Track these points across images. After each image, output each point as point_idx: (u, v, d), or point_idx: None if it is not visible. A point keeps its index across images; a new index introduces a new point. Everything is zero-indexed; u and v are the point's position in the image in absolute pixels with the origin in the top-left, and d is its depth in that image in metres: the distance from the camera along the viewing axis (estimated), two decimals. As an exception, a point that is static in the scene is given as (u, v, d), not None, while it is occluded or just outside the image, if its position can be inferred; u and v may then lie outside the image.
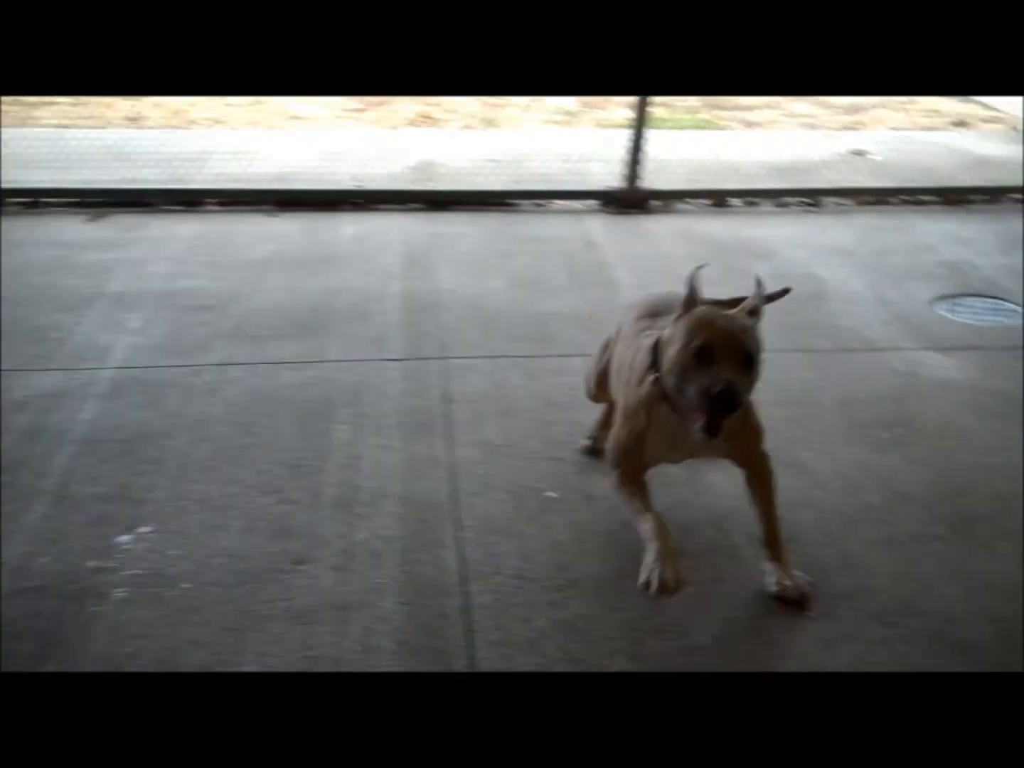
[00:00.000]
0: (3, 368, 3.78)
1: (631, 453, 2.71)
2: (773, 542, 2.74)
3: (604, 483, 3.20)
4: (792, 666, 2.53)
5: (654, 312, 2.90)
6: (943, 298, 4.66)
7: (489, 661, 2.51)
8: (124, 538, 2.88)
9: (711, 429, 2.38)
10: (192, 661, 2.46)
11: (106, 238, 5.20)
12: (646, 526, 2.62)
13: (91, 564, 2.78)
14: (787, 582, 2.70)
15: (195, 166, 6.08)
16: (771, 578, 2.72)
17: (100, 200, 5.67)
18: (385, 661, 2.49)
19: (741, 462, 2.76)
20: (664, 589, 2.50)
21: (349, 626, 2.61)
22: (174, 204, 5.76)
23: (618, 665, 2.51)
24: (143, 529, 2.92)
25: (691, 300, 2.55)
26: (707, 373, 2.39)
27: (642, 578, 2.53)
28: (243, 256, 5.04)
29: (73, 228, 5.33)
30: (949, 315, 4.50)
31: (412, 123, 7.85)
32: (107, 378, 3.75)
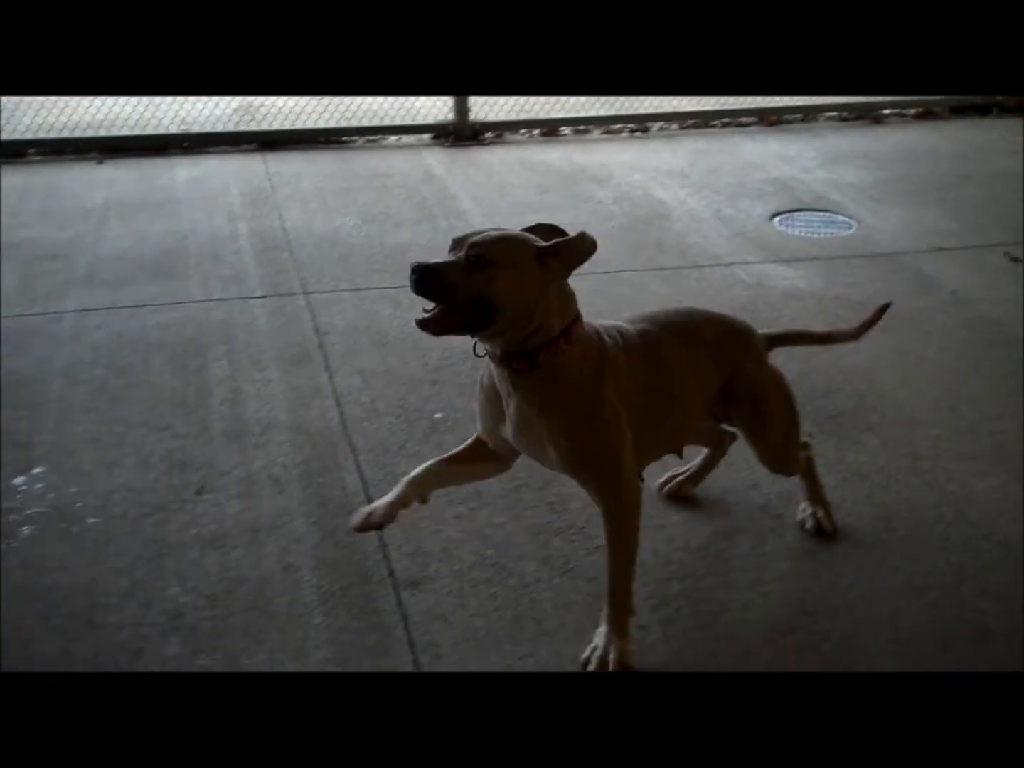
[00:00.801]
0: None
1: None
2: (610, 604, 2.31)
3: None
4: (693, 558, 2.70)
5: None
6: (778, 213, 4.93)
7: (407, 571, 2.59)
8: (19, 479, 2.84)
9: (422, 322, 2.15)
10: (114, 589, 2.47)
11: (-72, 191, 4.94)
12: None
13: (-10, 506, 2.73)
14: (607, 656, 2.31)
15: (12, 117, 5.81)
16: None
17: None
18: (307, 577, 2.55)
19: (583, 485, 2.30)
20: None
21: (265, 547, 2.65)
22: (-2, 155, 5.51)
23: (531, 567, 2.63)
24: (37, 470, 2.88)
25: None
26: None
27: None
28: (79, 204, 4.89)
29: None
30: (786, 229, 4.78)
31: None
32: (-38, 330, 3.63)
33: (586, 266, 2.21)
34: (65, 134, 5.71)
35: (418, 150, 5.91)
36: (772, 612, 2.53)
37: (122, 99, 6.04)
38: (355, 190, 5.20)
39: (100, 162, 5.54)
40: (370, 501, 2.82)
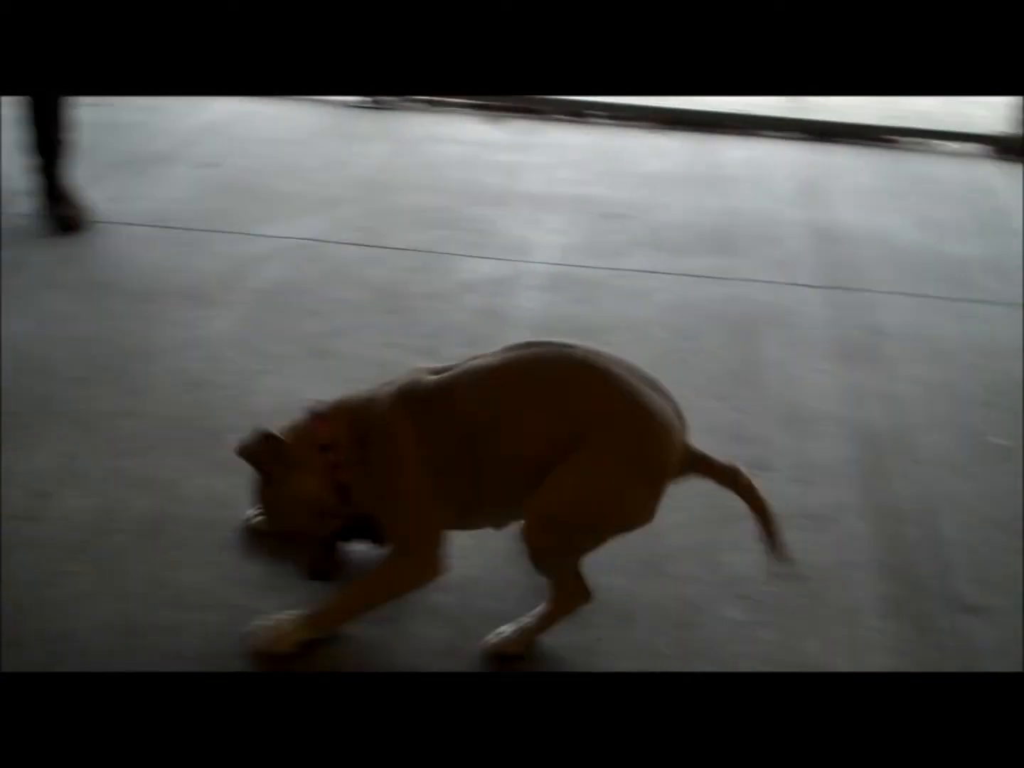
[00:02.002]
0: (446, 252, 4.03)
1: None
2: (334, 602, 2.21)
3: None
4: None
5: None
6: None
7: (971, 597, 2.48)
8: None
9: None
10: (679, 543, 2.58)
11: (507, 140, 5.39)
12: None
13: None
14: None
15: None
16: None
17: (494, 104, 5.88)
18: (862, 576, 2.52)
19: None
20: None
21: (819, 536, 2.64)
22: (561, 113, 5.88)
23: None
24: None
25: None
26: None
27: None
28: (637, 169, 5.12)
29: (473, 128, 5.56)
30: None
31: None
32: (542, 272, 3.92)
33: None
34: (626, 100, 5.98)
35: (972, 159, 5.63)
36: None
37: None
38: (905, 192, 5.05)
39: (655, 131, 5.75)
40: (931, 514, 2.75)
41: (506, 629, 2.22)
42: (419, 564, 2.15)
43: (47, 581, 2.31)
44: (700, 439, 2.93)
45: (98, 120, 4.85)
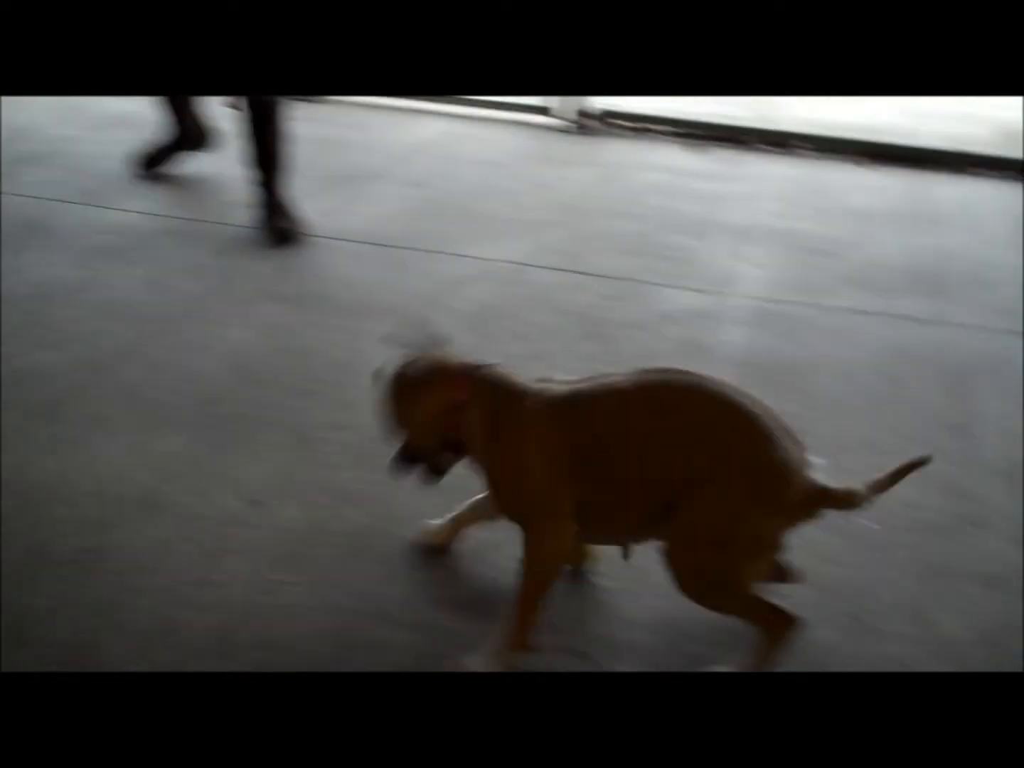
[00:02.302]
0: (649, 282, 4.01)
1: None
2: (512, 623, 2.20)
3: None
4: None
5: None
6: None
7: None
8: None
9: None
10: (886, 598, 2.48)
11: (708, 169, 5.34)
12: None
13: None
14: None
15: (781, 107, 6.11)
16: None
17: (695, 131, 5.84)
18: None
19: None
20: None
21: (1041, 606, 2.50)
22: (764, 143, 5.80)
23: None
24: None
25: None
26: None
27: None
28: (843, 204, 5.00)
29: (675, 156, 5.54)
30: None
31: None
32: (744, 305, 3.85)
33: None
34: (831, 132, 5.86)
35: None
36: None
37: (884, 105, 6.12)
38: None
39: (862, 165, 5.61)
40: None
41: (716, 668, 2.18)
42: (551, 533, 2.17)
43: (260, 588, 2.38)
44: (910, 489, 2.84)
45: (313, 136, 5.03)
